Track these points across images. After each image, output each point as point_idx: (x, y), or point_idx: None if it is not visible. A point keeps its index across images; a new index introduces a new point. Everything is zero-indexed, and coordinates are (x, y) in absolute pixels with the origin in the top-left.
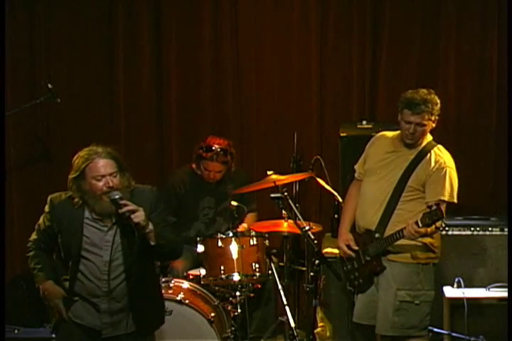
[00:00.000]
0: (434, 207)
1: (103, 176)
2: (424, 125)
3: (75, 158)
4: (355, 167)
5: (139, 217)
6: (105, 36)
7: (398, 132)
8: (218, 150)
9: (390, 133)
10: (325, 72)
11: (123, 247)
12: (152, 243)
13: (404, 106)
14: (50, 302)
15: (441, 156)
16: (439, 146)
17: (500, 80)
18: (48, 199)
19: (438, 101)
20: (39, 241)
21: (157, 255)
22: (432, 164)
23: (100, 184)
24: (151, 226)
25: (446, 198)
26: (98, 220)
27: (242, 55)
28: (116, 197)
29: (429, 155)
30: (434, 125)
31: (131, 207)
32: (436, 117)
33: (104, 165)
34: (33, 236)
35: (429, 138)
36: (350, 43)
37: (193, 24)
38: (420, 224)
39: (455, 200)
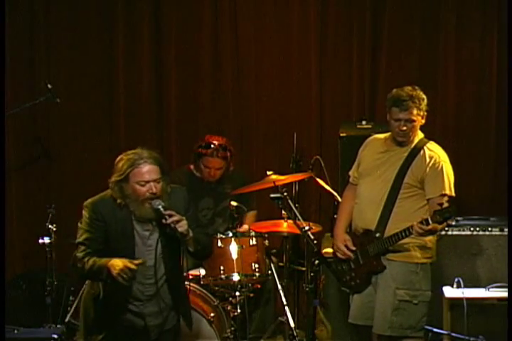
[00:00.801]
0: (446, 205)
1: (147, 182)
2: (414, 120)
3: (118, 160)
4: (350, 172)
5: (183, 226)
6: (105, 36)
7: (389, 133)
8: (217, 146)
9: (381, 135)
10: (325, 73)
11: (163, 251)
12: (191, 249)
13: (391, 104)
14: (121, 267)
15: (435, 152)
16: (431, 142)
17: (500, 81)
18: (87, 205)
19: (424, 96)
20: (93, 253)
21: (194, 257)
22: (427, 160)
23: (144, 189)
24: (191, 234)
25: (447, 192)
26: (142, 223)
27: (241, 56)
28: (160, 207)
29: (422, 151)
30: (423, 121)
31: (177, 217)
32: (425, 113)
33: (149, 170)
34: (82, 251)
35: (420, 135)
36: (349, 44)
37: (193, 24)
38: (431, 222)
39: (453, 194)
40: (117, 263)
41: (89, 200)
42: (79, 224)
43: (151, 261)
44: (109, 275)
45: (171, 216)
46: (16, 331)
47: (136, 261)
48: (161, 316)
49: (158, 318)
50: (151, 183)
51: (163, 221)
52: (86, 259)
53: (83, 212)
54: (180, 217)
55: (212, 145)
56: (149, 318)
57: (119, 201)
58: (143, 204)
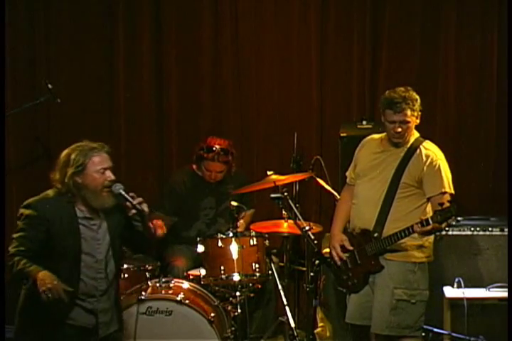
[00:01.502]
0: (447, 205)
1: (105, 169)
2: (408, 122)
3: (65, 154)
4: (347, 173)
5: (146, 206)
6: (105, 36)
7: (385, 133)
8: (219, 150)
9: (377, 135)
10: (325, 72)
11: (111, 244)
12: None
13: (385, 106)
14: (49, 286)
15: (431, 150)
16: (427, 141)
17: (500, 81)
18: (29, 204)
19: (417, 97)
20: (25, 251)
21: (135, 246)
22: (424, 159)
23: (103, 177)
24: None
25: (447, 189)
26: (89, 219)
27: (241, 55)
28: (121, 191)
29: (418, 150)
30: (418, 121)
31: (140, 198)
32: (419, 113)
33: (106, 158)
34: (15, 247)
35: (415, 134)
36: (350, 43)
37: (193, 24)
38: (431, 222)
39: (452, 191)
40: (46, 280)
41: (31, 200)
42: (18, 222)
43: (101, 255)
44: (33, 285)
45: (133, 197)
46: None
47: (67, 288)
48: (110, 312)
49: (107, 315)
50: (109, 170)
51: (128, 204)
52: (17, 259)
53: (22, 210)
54: (141, 199)
55: (213, 149)
56: (101, 315)
57: (67, 199)
58: (101, 193)
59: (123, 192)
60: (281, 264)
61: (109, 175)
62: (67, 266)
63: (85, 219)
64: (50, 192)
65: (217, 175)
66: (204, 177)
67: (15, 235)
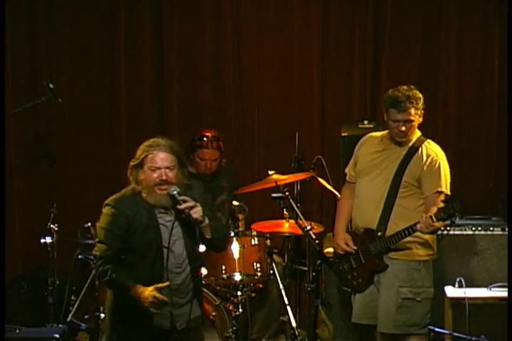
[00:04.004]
0: (441, 205)
1: (158, 168)
2: (412, 121)
3: (139, 148)
4: (346, 170)
5: (197, 212)
6: (106, 37)
7: (386, 131)
8: (211, 137)
9: (377, 133)
10: (326, 72)
11: (185, 239)
12: (208, 236)
13: (389, 105)
14: (151, 300)
15: (433, 150)
16: (429, 140)
17: (501, 80)
18: (109, 202)
19: (420, 95)
20: (113, 253)
21: (210, 246)
22: (424, 158)
23: (154, 175)
24: (207, 221)
25: (444, 189)
26: (163, 213)
27: (243, 55)
28: (175, 192)
29: (420, 150)
30: (421, 119)
31: (191, 203)
32: (422, 111)
33: (162, 157)
34: (101, 249)
35: (417, 133)
36: (351, 43)
37: (195, 25)
38: (435, 219)
39: (448, 192)
40: (146, 296)
41: (111, 198)
42: (97, 224)
43: (178, 250)
44: (132, 297)
45: (185, 201)
46: (17, 330)
47: (162, 285)
48: (187, 305)
49: (184, 307)
50: (163, 170)
51: (178, 206)
52: (103, 263)
53: (103, 210)
54: (194, 203)
55: (205, 138)
56: (173, 308)
57: (134, 187)
58: (153, 191)
59: (175, 194)
60: (283, 264)
61: (161, 174)
62: (150, 261)
63: (161, 215)
64: (127, 189)
65: (212, 164)
66: (197, 173)
67: (100, 237)
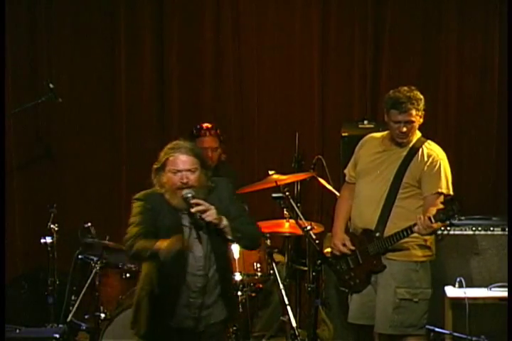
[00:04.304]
0: (450, 204)
1: (179, 171)
2: (413, 122)
3: (162, 150)
4: (346, 171)
5: (210, 215)
6: (107, 36)
7: (386, 132)
8: (208, 126)
9: (378, 134)
10: (326, 72)
11: (212, 241)
12: (229, 237)
13: (390, 106)
14: (173, 245)
15: (433, 150)
16: (429, 141)
17: (501, 80)
18: (139, 197)
19: (421, 96)
20: (145, 231)
21: (240, 246)
22: (425, 159)
23: (176, 178)
24: (224, 222)
25: (444, 190)
26: (188, 215)
27: (243, 55)
28: (189, 195)
29: (421, 150)
30: (421, 120)
31: (202, 206)
32: (423, 112)
33: (183, 160)
34: (132, 231)
35: (418, 134)
36: (351, 43)
37: (195, 24)
38: (433, 220)
39: (451, 192)
40: (172, 241)
41: (140, 193)
42: (129, 221)
43: (200, 252)
44: (152, 254)
45: (197, 205)
46: (17, 330)
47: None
48: (210, 308)
49: (207, 310)
50: (184, 172)
51: (190, 209)
52: (137, 238)
53: (133, 205)
54: (207, 206)
55: (203, 127)
56: (199, 310)
57: (158, 190)
58: (175, 194)
59: (188, 197)
60: (283, 264)
61: (182, 177)
62: (173, 261)
63: (185, 216)
64: (156, 188)
65: (213, 154)
66: None
67: (130, 223)
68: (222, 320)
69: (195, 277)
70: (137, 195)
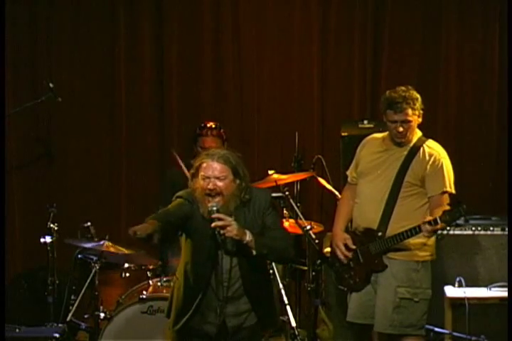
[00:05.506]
0: (457, 206)
1: (208, 177)
2: (410, 121)
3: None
4: (348, 172)
5: (230, 231)
6: (106, 36)
7: (387, 132)
8: (211, 125)
9: (379, 135)
10: (326, 72)
11: (237, 254)
12: (254, 252)
13: (386, 107)
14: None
15: (434, 149)
16: (430, 140)
17: (501, 80)
18: (180, 195)
19: (418, 96)
20: (166, 214)
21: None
22: (427, 158)
23: (205, 184)
24: (248, 238)
25: (448, 189)
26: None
27: (243, 55)
28: (214, 208)
29: (421, 149)
30: (420, 119)
31: (222, 222)
32: (421, 112)
33: (213, 167)
34: (158, 212)
35: (418, 133)
36: (351, 42)
37: (195, 24)
38: (439, 221)
39: (453, 190)
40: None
41: (182, 191)
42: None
43: (227, 265)
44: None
45: (219, 219)
46: (17, 330)
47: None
48: (239, 317)
49: (235, 319)
50: (212, 179)
51: (211, 224)
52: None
53: (175, 202)
54: (228, 222)
55: (206, 125)
56: (227, 318)
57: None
58: (204, 201)
59: (212, 210)
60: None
61: (209, 183)
62: (200, 266)
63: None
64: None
65: None
66: None
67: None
68: (249, 326)
69: (220, 286)
70: (180, 193)
